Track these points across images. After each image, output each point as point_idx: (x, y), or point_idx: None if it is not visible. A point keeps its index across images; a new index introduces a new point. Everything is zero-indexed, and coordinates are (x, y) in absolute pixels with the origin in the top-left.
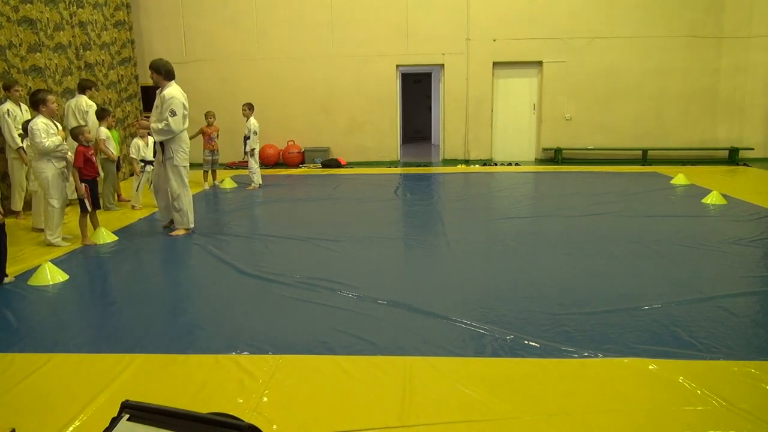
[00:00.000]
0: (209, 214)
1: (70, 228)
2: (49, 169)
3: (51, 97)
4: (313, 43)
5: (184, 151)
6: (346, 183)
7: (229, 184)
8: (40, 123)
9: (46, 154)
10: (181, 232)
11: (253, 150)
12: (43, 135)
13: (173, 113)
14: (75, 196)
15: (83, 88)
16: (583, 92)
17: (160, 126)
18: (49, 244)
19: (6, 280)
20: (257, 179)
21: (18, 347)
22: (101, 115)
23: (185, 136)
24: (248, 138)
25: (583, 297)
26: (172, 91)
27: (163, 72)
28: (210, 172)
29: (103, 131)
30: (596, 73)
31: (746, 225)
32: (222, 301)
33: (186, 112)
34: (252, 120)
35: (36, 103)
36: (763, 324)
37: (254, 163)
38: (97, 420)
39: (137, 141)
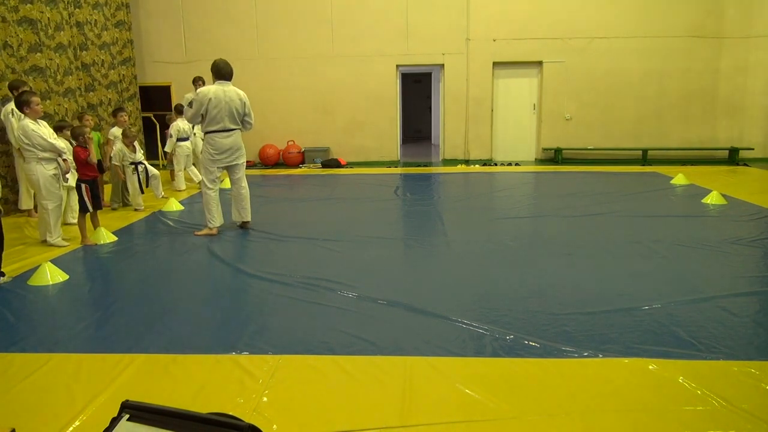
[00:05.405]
0: None
1: (70, 228)
2: (40, 172)
3: (35, 99)
4: (313, 42)
5: (208, 152)
6: (346, 183)
7: (228, 184)
8: (32, 124)
9: (52, 150)
10: (202, 233)
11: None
12: (45, 136)
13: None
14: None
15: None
16: (583, 92)
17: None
18: (50, 245)
19: (2, 279)
20: (178, 183)
21: (18, 347)
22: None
23: (213, 138)
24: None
25: (583, 297)
26: (204, 87)
27: (212, 71)
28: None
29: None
30: (596, 73)
31: (746, 225)
32: (222, 301)
33: (204, 111)
34: (177, 123)
35: (20, 104)
36: (764, 324)
37: (176, 165)
38: (97, 420)
39: (121, 147)
